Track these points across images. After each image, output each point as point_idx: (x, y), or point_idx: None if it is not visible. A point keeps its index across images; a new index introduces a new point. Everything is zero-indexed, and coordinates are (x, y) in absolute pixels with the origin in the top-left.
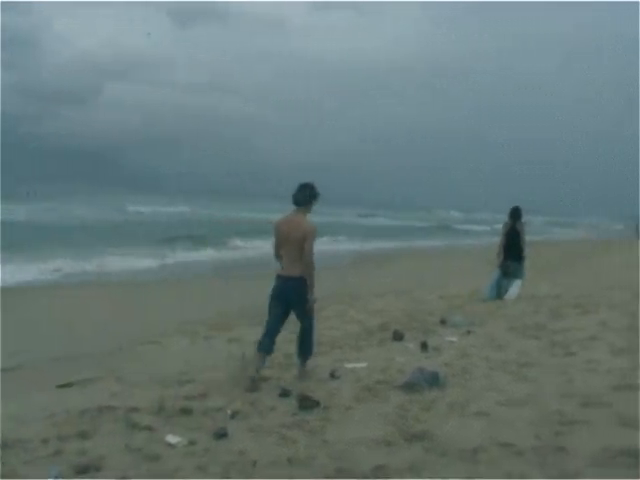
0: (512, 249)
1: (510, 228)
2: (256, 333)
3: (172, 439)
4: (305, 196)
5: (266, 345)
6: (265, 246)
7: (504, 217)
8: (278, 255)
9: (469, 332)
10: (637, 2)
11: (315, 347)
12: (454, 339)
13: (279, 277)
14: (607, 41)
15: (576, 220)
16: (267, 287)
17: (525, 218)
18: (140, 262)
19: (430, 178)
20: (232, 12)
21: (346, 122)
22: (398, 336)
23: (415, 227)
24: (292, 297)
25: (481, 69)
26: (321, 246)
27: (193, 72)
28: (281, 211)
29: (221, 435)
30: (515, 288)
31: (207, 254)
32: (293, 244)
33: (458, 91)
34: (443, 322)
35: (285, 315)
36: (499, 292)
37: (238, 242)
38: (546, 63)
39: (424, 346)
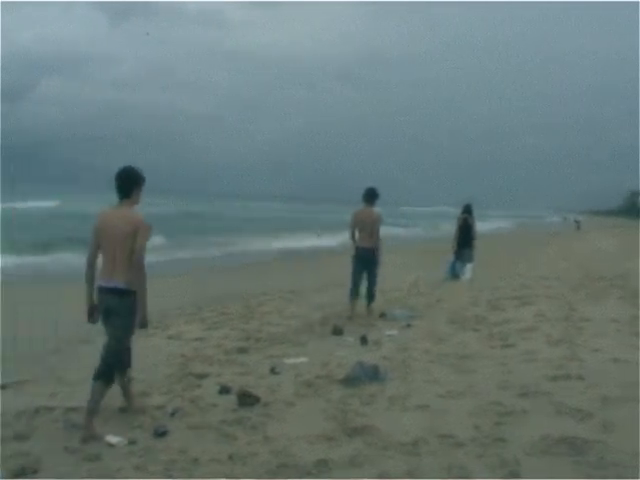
0: (465, 239)
1: (463, 221)
2: (195, 330)
3: (112, 439)
4: (371, 196)
5: (354, 292)
6: (200, 243)
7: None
8: (352, 235)
9: (409, 325)
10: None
11: (377, 294)
12: (394, 332)
13: (358, 248)
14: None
15: (515, 213)
16: (203, 285)
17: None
18: (76, 260)
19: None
20: (168, 9)
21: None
22: (338, 330)
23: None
24: (367, 260)
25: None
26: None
27: (130, 69)
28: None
29: (161, 433)
30: (468, 270)
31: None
32: (367, 226)
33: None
34: (383, 316)
35: (363, 272)
36: (454, 274)
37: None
38: (485, 60)
39: (364, 340)
